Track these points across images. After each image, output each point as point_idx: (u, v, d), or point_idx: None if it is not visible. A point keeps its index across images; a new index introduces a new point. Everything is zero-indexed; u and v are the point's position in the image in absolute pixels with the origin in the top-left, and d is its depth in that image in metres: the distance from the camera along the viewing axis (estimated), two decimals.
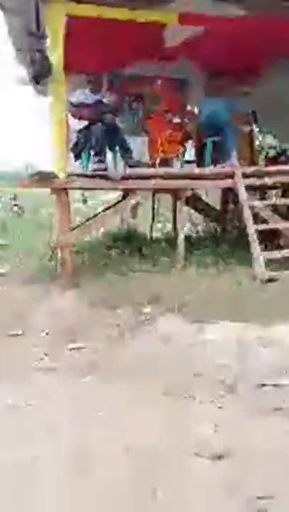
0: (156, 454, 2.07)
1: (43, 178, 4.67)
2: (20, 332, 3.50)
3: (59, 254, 4.73)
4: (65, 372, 2.88)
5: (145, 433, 2.24)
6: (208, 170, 5.44)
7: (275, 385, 2.67)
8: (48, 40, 4.38)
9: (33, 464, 2.00)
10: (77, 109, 5.30)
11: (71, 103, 5.29)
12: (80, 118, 5.31)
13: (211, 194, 7.30)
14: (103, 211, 5.99)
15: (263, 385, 2.68)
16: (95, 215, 5.83)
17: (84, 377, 2.83)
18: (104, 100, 5.46)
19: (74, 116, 5.32)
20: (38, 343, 3.30)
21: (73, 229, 5.14)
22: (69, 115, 5.37)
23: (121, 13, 4.43)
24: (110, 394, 2.62)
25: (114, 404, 2.50)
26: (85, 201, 8.33)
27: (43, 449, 2.11)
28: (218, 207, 6.83)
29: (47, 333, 3.44)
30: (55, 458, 2.04)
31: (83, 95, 5.39)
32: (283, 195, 5.57)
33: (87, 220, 5.78)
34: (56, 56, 4.39)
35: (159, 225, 7.18)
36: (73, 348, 3.21)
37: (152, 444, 2.14)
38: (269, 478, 1.91)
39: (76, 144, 5.47)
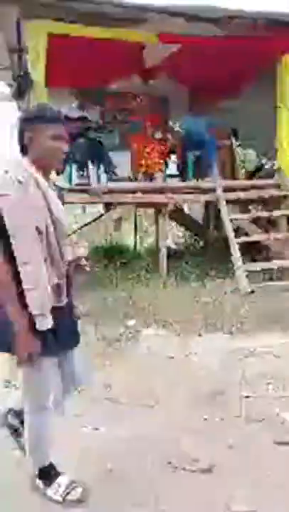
0: (138, 468, 2.04)
1: None
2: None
3: None
4: None
5: (126, 446, 2.21)
6: (190, 184, 5.52)
7: (259, 396, 2.67)
8: (29, 57, 4.43)
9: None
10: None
11: None
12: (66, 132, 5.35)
13: (193, 207, 7.39)
14: (85, 225, 5.99)
15: (247, 396, 2.69)
16: (77, 230, 5.82)
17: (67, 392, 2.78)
18: (89, 116, 5.53)
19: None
20: None
21: None
22: None
23: (101, 32, 4.51)
24: (94, 409, 2.58)
25: (98, 419, 2.47)
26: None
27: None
28: (200, 220, 6.91)
29: None
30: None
31: (69, 110, 5.45)
32: (263, 208, 5.68)
33: (70, 235, 5.75)
34: (38, 72, 4.43)
35: (143, 239, 7.21)
36: None
37: (135, 458, 2.11)
38: (252, 490, 1.90)
39: None
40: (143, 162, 5.71)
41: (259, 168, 6.32)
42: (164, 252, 5.18)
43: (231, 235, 4.81)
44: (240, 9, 4.63)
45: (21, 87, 4.51)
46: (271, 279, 4.61)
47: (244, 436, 2.30)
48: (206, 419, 2.46)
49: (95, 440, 2.30)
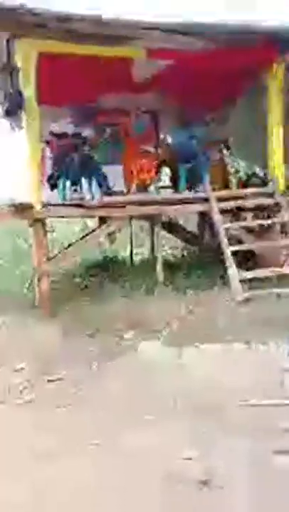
0: (136, 481, 2.02)
1: (18, 209, 4.68)
2: None
3: (37, 284, 4.69)
4: (44, 405, 2.82)
5: (124, 460, 2.20)
6: (183, 195, 5.56)
7: (256, 405, 2.66)
8: (20, 75, 4.49)
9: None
10: (57, 139, 5.44)
11: (52, 133, 5.42)
12: (59, 148, 5.44)
13: (188, 218, 7.43)
14: (81, 239, 6.01)
15: (245, 406, 2.67)
16: (73, 243, 5.84)
17: (62, 408, 2.77)
18: (82, 132, 5.61)
19: (53, 145, 5.44)
20: (16, 376, 3.23)
21: (51, 258, 5.13)
22: (46, 147, 5.48)
23: (90, 50, 4.59)
24: (91, 425, 2.57)
25: (96, 434, 2.45)
26: (52, 231, 8.27)
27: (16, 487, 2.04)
28: (195, 230, 6.94)
29: (24, 366, 3.37)
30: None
31: (64, 125, 5.55)
32: (255, 217, 5.72)
33: (66, 248, 5.78)
34: (29, 91, 4.50)
35: (138, 250, 7.23)
36: (52, 380, 3.15)
37: (133, 471, 2.09)
38: (251, 500, 1.88)
39: (52, 174, 5.55)
40: (136, 175, 5.76)
41: (250, 177, 6.38)
42: (159, 262, 5.19)
43: (225, 243, 4.83)
44: (225, 24, 4.73)
45: (13, 106, 4.56)
46: (266, 287, 4.61)
47: (243, 446, 2.28)
48: (203, 430, 2.45)
49: (94, 452, 2.28)
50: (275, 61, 5.27)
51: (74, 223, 8.33)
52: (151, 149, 6.05)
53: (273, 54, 5.19)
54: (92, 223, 7.72)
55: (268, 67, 5.33)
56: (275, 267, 4.83)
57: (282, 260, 5.04)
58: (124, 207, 5.12)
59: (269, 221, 5.33)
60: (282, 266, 4.89)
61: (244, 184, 6.44)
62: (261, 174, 6.40)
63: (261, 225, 5.43)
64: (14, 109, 4.64)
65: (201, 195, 5.37)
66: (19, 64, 4.53)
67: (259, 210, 5.64)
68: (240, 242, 5.18)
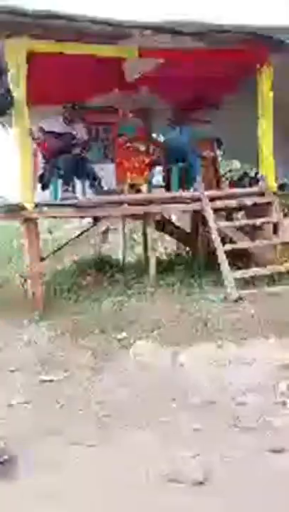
0: (132, 482, 2.02)
1: (10, 210, 4.64)
2: None
3: (29, 285, 4.66)
4: (39, 406, 2.80)
5: (119, 461, 2.19)
6: (176, 194, 5.56)
7: (250, 404, 2.67)
8: (10, 75, 4.45)
9: None
10: (48, 137, 5.39)
11: (43, 130, 5.37)
12: (50, 147, 5.39)
13: (181, 217, 7.44)
14: (73, 239, 5.98)
15: (240, 404, 2.69)
16: (65, 244, 5.81)
17: (58, 410, 2.76)
18: (74, 132, 5.58)
19: (44, 143, 5.39)
20: (9, 377, 3.21)
21: (44, 258, 5.09)
22: (37, 146, 5.43)
23: (80, 49, 4.56)
24: (87, 425, 2.56)
25: (92, 434, 2.44)
26: (50, 232, 8.32)
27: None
28: (188, 229, 6.94)
29: (19, 367, 3.35)
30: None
31: (56, 124, 5.49)
32: (247, 216, 5.75)
33: (59, 249, 5.76)
34: (19, 90, 4.46)
35: (131, 250, 7.23)
36: (46, 381, 3.13)
37: (128, 472, 2.09)
38: (247, 501, 1.89)
39: (44, 173, 5.51)
40: (128, 174, 5.75)
41: (243, 177, 6.41)
42: (152, 262, 5.19)
43: (218, 243, 4.84)
44: (219, 23, 4.73)
45: (2, 105, 4.52)
46: (259, 286, 4.63)
47: (237, 446, 2.29)
48: (198, 429, 2.45)
49: (89, 457, 2.27)
50: (265, 59, 5.29)
51: (73, 221, 8.30)
52: (143, 148, 6.05)
53: (263, 52, 5.20)
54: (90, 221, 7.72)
55: (258, 65, 5.34)
56: (267, 266, 4.85)
57: (275, 259, 5.07)
58: (116, 206, 5.10)
59: (261, 220, 5.35)
60: (275, 264, 4.91)
61: (236, 183, 6.47)
62: (253, 173, 6.43)
63: (253, 224, 5.45)
64: (4, 108, 4.60)
65: (194, 194, 5.37)
66: (9, 63, 4.49)
67: (251, 209, 5.66)
68: (232, 241, 5.19)
